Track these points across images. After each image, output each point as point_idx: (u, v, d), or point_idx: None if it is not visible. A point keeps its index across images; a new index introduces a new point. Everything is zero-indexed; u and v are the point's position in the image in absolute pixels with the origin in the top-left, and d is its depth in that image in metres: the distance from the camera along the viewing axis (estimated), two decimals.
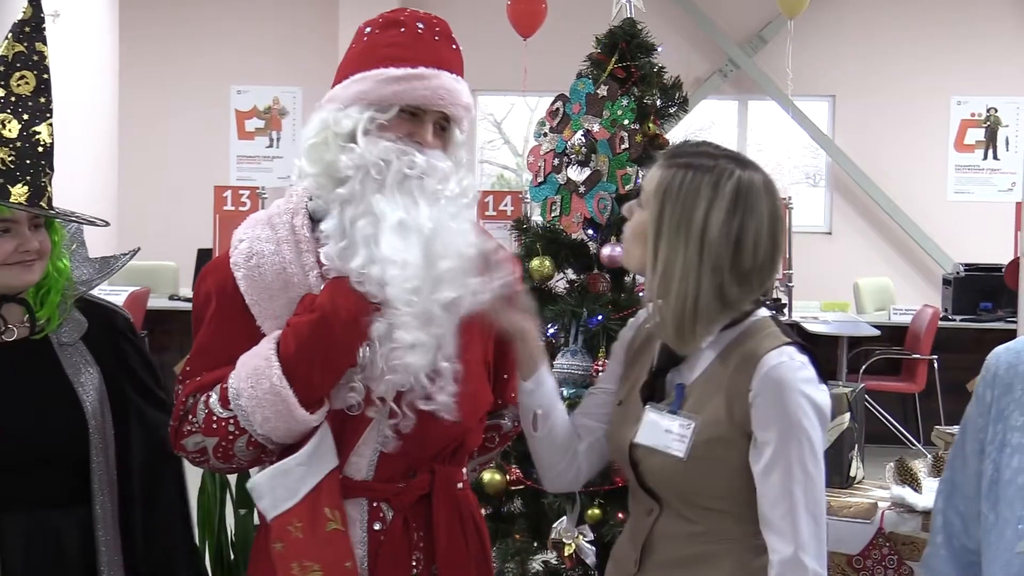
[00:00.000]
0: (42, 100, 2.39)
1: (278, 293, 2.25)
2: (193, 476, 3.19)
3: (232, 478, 3.67)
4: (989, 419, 2.15)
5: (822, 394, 2.12)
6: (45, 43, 2.41)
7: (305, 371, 2.17)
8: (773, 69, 11.52)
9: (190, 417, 2.25)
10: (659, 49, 3.68)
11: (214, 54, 12.04)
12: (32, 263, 2.41)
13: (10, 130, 2.34)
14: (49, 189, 2.39)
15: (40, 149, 2.36)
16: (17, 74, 2.38)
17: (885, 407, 8.90)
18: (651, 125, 3.61)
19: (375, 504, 2.29)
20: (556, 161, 3.62)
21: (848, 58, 11.83)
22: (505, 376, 2.48)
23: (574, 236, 3.65)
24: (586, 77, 3.63)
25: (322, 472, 2.21)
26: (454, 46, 2.33)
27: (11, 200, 2.33)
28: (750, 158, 2.22)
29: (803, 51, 10.94)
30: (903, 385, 8.89)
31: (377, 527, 2.28)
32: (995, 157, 11.75)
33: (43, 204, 2.37)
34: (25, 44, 2.39)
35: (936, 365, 8.78)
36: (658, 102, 3.67)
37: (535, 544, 3.63)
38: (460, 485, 2.39)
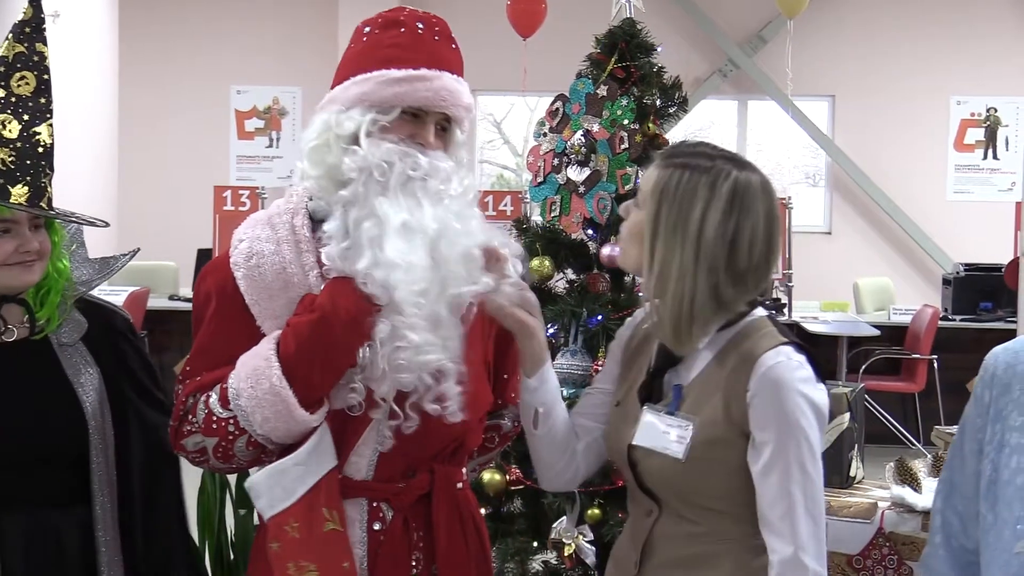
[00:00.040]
0: (42, 101, 2.39)
1: (278, 293, 2.25)
2: (193, 476, 3.19)
3: (232, 478, 3.67)
4: (987, 419, 2.16)
5: (820, 393, 2.12)
6: (45, 43, 2.41)
7: (305, 371, 2.17)
8: (773, 69, 11.52)
9: (190, 417, 2.25)
10: (659, 49, 3.68)
11: (214, 54, 12.04)
12: (32, 263, 2.41)
13: (10, 130, 2.34)
14: (49, 190, 2.39)
15: (40, 150, 2.37)
16: (17, 74, 2.38)
17: (885, 407, 8.90)
18: (651, 125, 3.61)
19: (375, 504, 2.29)
20: (556, 161, 3.62)
21: (848, 58, 11.83)
22: (505, 376, 2.48)
23: (574, 236, 3.65)
24: (586, 77, 3.63)
25: (320, 472, 2.21)
26: (453, 45, 2.33)
27: (11, 200, 2.33)
28: (747, 159, 2.22)
29: (803, 51, 10.94)
30: (903, 385, 8.89)
31: (377, 527, 2.28)
32: (995, 157, 11.75)
33: (43, 205, 2.37)
34: (25, 45, 2.39)
35: (936, 365, 8.78)
36: (658, 102, 3.67)
37: (535, 544, 3.63)
38: (460, 485, 2.39)
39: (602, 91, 3.57)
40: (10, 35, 2.39)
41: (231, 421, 2.20)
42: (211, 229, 9.11)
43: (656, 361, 2.24)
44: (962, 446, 2.23)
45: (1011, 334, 3.70)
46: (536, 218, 3.75)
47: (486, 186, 13.49)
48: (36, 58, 2.40)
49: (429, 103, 2.24)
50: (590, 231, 3.60)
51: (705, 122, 13.14)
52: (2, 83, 2.36)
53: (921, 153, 11.75)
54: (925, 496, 3.50)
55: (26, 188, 2.34)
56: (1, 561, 2.38)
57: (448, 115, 2.28)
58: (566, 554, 3.42)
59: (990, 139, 11.75)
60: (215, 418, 2.21)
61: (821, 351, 8.51)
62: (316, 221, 2.29)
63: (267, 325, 2.24)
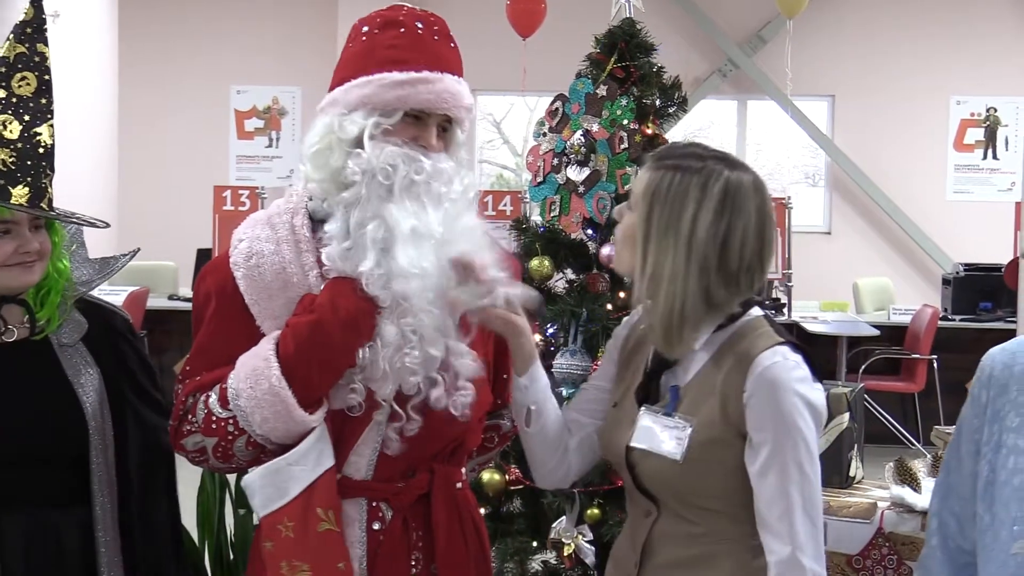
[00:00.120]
0: (43, 101, 2.39)
1: (277, 293, 2.25)
2: (193, 476, 3.19)
3: (231, 478, 3.67)
4: (984, 420, 2.15)
5: (816, 393, 2.12)
6: (46, 44, 2.41)
7: (304, 372, 2.17)
8: (772, 69, 11.52)
9: (189, 417, 2.25)
10: (658, 49, 3.69)
11: (214, 54, 12.05)
12: (32, 264, 2.41)
13: (11, 131, 2.34)
14: (50, 190, 2.39)
15: (41, 150, 2.36)
16: (18, 75, 2.37)
17: (884, 407, 8.90)
18: (650, 125, 3.61)
19: (374, 504, 2.29)
20: (555, 161, 3.62)
21: (847, 58, 11.83)
22: (504, 376, 2.48)
23: (573, 236, 3.66)
24: (585, 77, 3.64)
25: (317, 472, 2.20)
26: (452, 44, 2.33)
27: (11, 201, 2.33)
28: (739, 159, 2.21)
29: (802, 51, 10.94)
30: (902, 385, 8.89)
31: (376, 527, 2.29)
32: (995, 157, 11.75)
33: (43, 205, 2.37)
34: (27, 45, 2.39)
35: (935, 365, 8.78)
36: (657, 102, 3.67)
37: (534, 544, 3.63)
38: (459, 485, 2.39)
39: (602, 91, 3.57)
40: (11, 35, 2.39)
41: (230, 421, 2.20)
42: (211, 229, 9.12)
43: (652, 362, 2.24)
44: (959, 447, 2.23)
45: (1011, 334, 3.70)
46: (536, 218, 3.76)
47: (485, 186, 13.49)
48: (37, 58, 2.39)
49: (431, 105, 2.24)
50: (589, 231, 3.60)
51: (705, 122, 13.14)
52: (3, 83, 2.36)
53: (921, 153, 11.75)
54: (925, 496, 3.50)
55: (27, 189, 2.34)
56: (1, 561, 2.38)
57: (449, 116, 2.29)
58: (565, 554, 3.42)
59: (990, 139, 11.75)
60: (214, 418, 2.21)
61: (821, 351, 8.54)
62: (316, 221, 2.30)
63: (267, 325, 2.25)
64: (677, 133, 4.26)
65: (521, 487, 3.61)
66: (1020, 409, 2.10)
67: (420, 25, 2.29)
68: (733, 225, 2.12)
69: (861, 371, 8.71)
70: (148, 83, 11.78)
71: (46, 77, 2.40)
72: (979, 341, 8.31)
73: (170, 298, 9.61)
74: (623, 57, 3.62)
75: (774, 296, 9.28)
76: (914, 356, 8.85)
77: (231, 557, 3.71)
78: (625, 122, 3.53)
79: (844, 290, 10.52)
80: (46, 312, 2.48)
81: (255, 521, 2.32)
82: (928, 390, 8.80)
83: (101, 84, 9.76)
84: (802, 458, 2.07)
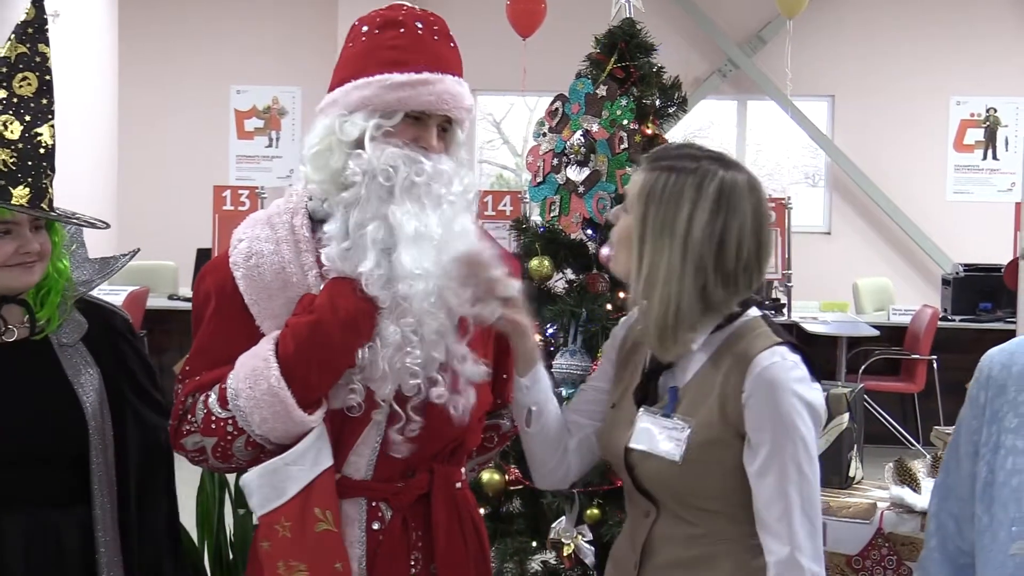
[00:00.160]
0: (44, 101, 2.39)
1: (277, 293, 2.25)
2: (193, 476, 3.19)
3: (231, 477, 3.67)
4: (983, 421, 2.15)
5: (815, 393, 2.12)
6: (48, 44, 2.40)
7: (303, 372, 2.17)
8: (772, 69, 11.52)
9: (189, 417, 2.25)
10: (658, 49, 3.69)
11: (214, 54, 12.05)
12: (32, 265, 2.41)
13: (12, 131, 2.34)
14: (50, 191, 2.39)
15: (42, 151, 2.36)
16: (20, 75, 2.37)
17: (884, 407, 8.90)
18: (650, 125, 3.61)
19: (374, 504, 2.29)
20: (555, 161, 3.62)
21: (847, 58, 11.83)
22: (504, 376, 2.48)
23: (573, 236, 3.66)
24: (585, 77, 3.64)
25: (315, 472, 2.20)
26: (452, 44, 2.33)
27: (12, 202, 2.32)
28: (734, 158, 2.21)
29: (802, 51, 10.94)
30: (902, 385, 8.89)
31: (376, 527, 2.29)
32: (994, 157, 11.75)
33: (44, 206, 2.37)
34: (28, 45, 2.39)
35: (935, 365, 8.78)
36: (657, 102, 3.67)
37: (534, 544, 3.64)
38: (459, 485, 2.39)
39: (601, 91, 3.57)
40: (12, 35, 2.39)
41: (230, 421, 2.20)
42: (210, 229, 9.12)
43: (651, 363, 2.24)
44: (957, 448, 2.23)
45: (1010, 334, 3.70)
46: (536, 218, 3.76)
47: (485, 186, 13.49)
48: (38, 59, 2.39)
49: (432, 107, 2.25)
50: (589, 231, 3.60)
51: (704, 122, 13.14)
52: (4, 84, 2.36)
53: (921, 153, 11.75)
54: (924, 496, 3.50)
55: (27, 189, 2.34)
56: (1, 561, 2.38)
57: (449, 117, 2.29)
58: (565, 554, 3.42)
59: (990, 139, 11.75)
60: (214, 418, 2.21)
61: (820, 351, 8.54)
62: (315, 221, 2.30)
63: (266, 325, 2.25)
64: (677, 133, 4.26)
65: (521, 487, 3.61)
66: (1018, 409, 2.10)
67: (420, 25, 2.29)
68: (729, 225, 2.12)
69: (861, 371, 8.71)
70: (148, 83, 11.78)
71: (47, 77, 2.40)
72: (979, 341, 8.29)
73: (170, 298, 9.61)
74: (623, 57, 3.62)
75: (774, 296, 9.28)
76: (914, 356, 8.85)
77: (231, 557, 3.71)
78: (625, 122, 3.53)
79: (844, 290, 10.52)
80: (46, 312, 2.48)
81: (254, 521, 2.32)
82: (928, 390, 8.80)
83: (101, 84, 9.76)
84: (801, 458, 2.07)
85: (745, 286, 2.17)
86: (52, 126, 2.39)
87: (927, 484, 3.57)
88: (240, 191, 9.22)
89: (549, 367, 3.25)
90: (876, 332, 8.86)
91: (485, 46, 9.07)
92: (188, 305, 2.50)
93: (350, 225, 2.22)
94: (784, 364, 2.09)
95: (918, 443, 8.71)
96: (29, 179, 2.34)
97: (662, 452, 2.14)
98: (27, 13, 2.40)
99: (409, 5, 2.35)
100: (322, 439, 2.22)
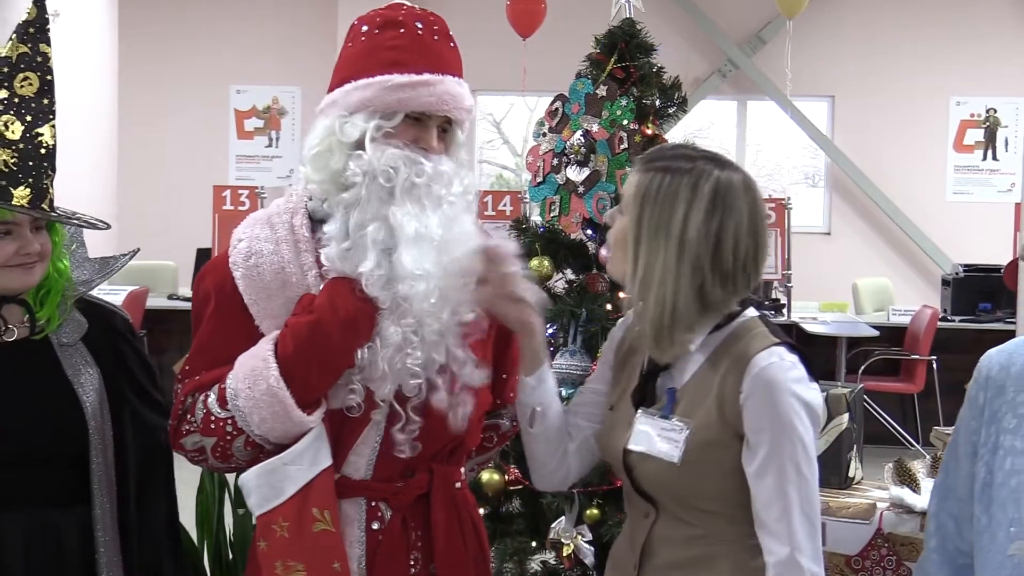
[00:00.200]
0: (45, 101, 2.39)
1: (276, 292, 2.25)
2: (192, 476, 3.19)
3: (231, 477, 3.67)
4: (982, 421, 2.15)
5: (813, 393, 2.12)
6: (49, 44, 2.40)
7: (303, 372, 2.17)
8: (772, 69, 11.52)
9: (188, 416, 2.25)
10: (658, 49, 3.69)
11: (214, 53, 12.05)
12: (33, 265, 2.41)
13: (13, 131, 2.34)
14: (51, 191, 2.39)
15: (42, 151, 2.36)
16: (21, 75, 2.37)
17: (884, 408, 8.90)
18: (650, 125, 3.61)
19: (373, 503, 2.29)
20: (555, 161, 3.62)
21: (847, 58, 11.84)
22: (504, 376, 2.48)
23: (573, 236, 3.66)
24: (585, 77, 3.64)
25: (313, 472, 2.20)
26: (452, 44, 2.33)
27: (13, 202, 2.32)
28: (729, 158, 2.21)
29: (802, 51, 10.94)
30: (902, 386, 8.89)
31: (375, 527, 2.29)
32: (994, 158, 11.74)
33: (45, 206, 2.37)
34: (29, 45, 2.38)
35: (935, 366, 8.77)
36: (657, 102, 3.67)
37: (533, 544, 3.63)
38: (458, 485, 2.39)
39: (601, 91, 3.57)
40: (14, 35, 2.38)
41: (229, 421, 2.20)
42: (210, 228, 9.12)
43: (648, 364, 2.24)
44: (956, 448, 2.23)
45: (1010, 335, 3.71)
46: (535, 218, 3.76)
47: (485, 186, 13.49)
48: (40, 59, 2.39)
49: (432, 108, 2.25)
50: (589, 231, 3.60)
51: (704, 122, 13.15)
52: (5, 84, 2.36)
53: (921, 154, 11.75)
54: (924, 497, 3.50)
55: (28, 190, 2.34)
56: (1, 561, 2.38)
57: (450, 117, 2.29)
58: (565, 554, 3.42)
59: (989, 140, 11.74)
60: (213, 418, 2.21)
61: (820, 352, 8.54)
62: (315, 221, 2.30)
63: (265, 325, 2.25)
64: (677, 133, 4.26)
65: (520, 487, 3.61)
66: (1017, 410, 2.10)
67: (420, 25, 2.29)
68: (725, 224, 2.12)
69: (860, 372, 8.71)
70: (148, 83, 11.78)
71: (48, 77, 2.40)
72: (978, 342, 8.27)
73: (170, 298, 9.62)
74: (623, 57, 3.62)
75: (774, 297, 9.28)
76: (913, 357, 8.85)
77: (230, 557, 3.71)
78: (625, 122, 3.53)
79: (844, 291, 10.52)
80: (46, 312, 2.48)
81: (253, 521, 2.32)
82: (927, 391, 8.80)
83: (101, 84, 9.75)
84: (799, 458, 2.07)
85: (743, 285, 2.17)
86: (53, 126, 2.38)
87: (927, 484, 3.57)
88: (240, 191, 9.23)
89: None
90: (876, 332, 8.86)
91: (485, 46, 9.07)
92: (188, 305, 2.50)
93: (350, 226, 2.22)
94: (782, 364, 2.09)
95: (918, 443, 8.71)
96: (30, 179, 2.34)
97: (660, 453, 2.14)
98: (28, 13, 2.40)
99: (409, 4, 2.34)
100: (321, 439, 2.22)
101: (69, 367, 2.48)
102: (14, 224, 2.37)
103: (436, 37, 2.30)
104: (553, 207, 3.62)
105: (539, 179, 3.66)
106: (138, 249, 2.82)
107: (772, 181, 14.19)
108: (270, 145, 11.98)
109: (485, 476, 3.56)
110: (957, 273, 9.57)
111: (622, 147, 3.51)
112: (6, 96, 2.35)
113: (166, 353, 8.60)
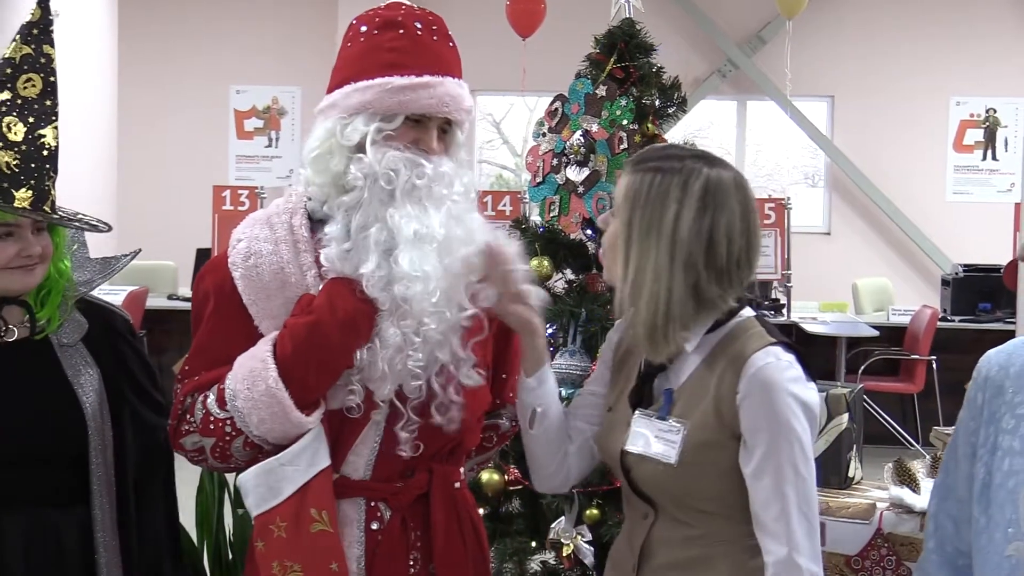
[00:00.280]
0: (48, 103, 2.39)
1: (275, 293, 2.25)
2: (192, 476, 3.19)
3: (230, 478, 3.66)
4: (981, 422, 2.15)
5: (810, 393, 2.12)
6: (53, 45, 2.40)
7: (301, 373, 2.17)
8: (772, 69, 11.52)
9: (188, 417, 2.26)
10: (658, 49, 3.68)
11: (213, 54, 12.05)
12: (34, 267, 2.41)
13: (15, 133, 2.34)
14: (53, 193, 2.39)
15: (45, 152, 2.36)
16: (24, 76, 2.37)
17: (884, 408, 8.90)
18: (650, 125, 3.61)
19: (372, 504, 2.29)
20: (555, 161, 3.62)
21: (847, 58, 11.84)
22: (504, 376, 2.48)
23: (573, 236, 3.66)
24: (585, 77, 3.64)
25: (311, 472, 2.20)
26: (451, 43, 2.33)
27: (15, 204, 2.32)
28: (718, 156, 2.21)
29: (802, 51, 10.94)
30: (902, 386, 8.88)
31: (375, 527, 2.29)
32: (994, 158, 11.74)
33: (46, 209, 2.37)
34: (33, 46, 2.38)
35: (935, 366, 8.77)
36: (657, 102, 3.67)
37: (533, 544, 3.63)
38: (457, 484, 2.39)
39: (601, 91, 3.57)
40: (17, 36, 2.38)
41: (228, 422, 2.20)
42: (210, 229, 9.12)
43: (645, 366, 2.23)
44: (956, 449, 2.23)
45: (1010, 335, 3.71)
46: (535, 218, 3.76)
47: (485, 186, 13.49)
48: (43, 60, 2.39)
49: (433, 110, 2.25)
50: (589, 231, 3.60)
51: (704, 122, 13.15)
52: (9, 85, 2.36)
53: (920, 154, 11.75)
54: (924, 497, 3.49)
55: (30, 192, 2.33)
56: (1, 561, 2.38)
57: (450, 119, 2.29)
58: (564, 554, 3.42)
59: (989, 140, 11.73)
60: (212, 418, 2.21)
61: (820, 352, 8.54)
62: (315, 221, 2.30)
63: (265, 325, 2.25)
64: (677, 133, 4.26)
65: (520, 487, 3.61)
66: (1015, 411, 2.09)
67: (419, 25, 2.29)
68: (716, 221, 2.12)
69: (860, 372, 8.71)
70: (148, 83, 11.78)
71: (51, 79, 2.39)
72: (978, 342, 8.29)
73: (169, 298, 9.61)
74: (623, 57, 3.62)
75: (773, 297, 9.28)
76: (913, 357, 8.85)
77: (230, 557, 3.71)
78: (624, 122, 3.53)
79: (843, 291, 10.52)
80: (46, 312, 2.48)
81: (252, 521, 2.32)
82: (927, 391, 8.80)
83: (101, 84, 9.76)
84: (797, 458, 2.07)
85: (738, 282, 2.16)
86: (56, 128, 2.38)
87: (926, 484, 3.57)
88: (240, 191, 9.23)
89: None
90: (875, 332, 8.86)
91: (485, 46, 9.07)
92: (188, 305, 2.51)
93: (352, 227, 2.22)
94: (779, 364, 2.09)
95: (917, 443, 8.71)
96: (32, 181, 2.34)
97: (657, 454, 2.14)
98: (32, 14, 2.40)
99: (408, 4, 2.34)
100: (319, 440, 2.22)
101: (69, 367, 2.48)
102: (15, 226, 2.37)
103: (435, 37, 2.30)
104: (553, 207, 3.62)
105: (539, 179, 3.66)
106: (139, 250, 2.82)
107: (772, 181, 14.19)
108: (270, 145, 11.97)
109: (485, 476, 3.56)
110: (957, 273, 9.57)
111: (622, 147, 3.51)
112: (9, 97, 2.35)
113: (166, 353, 8.60)
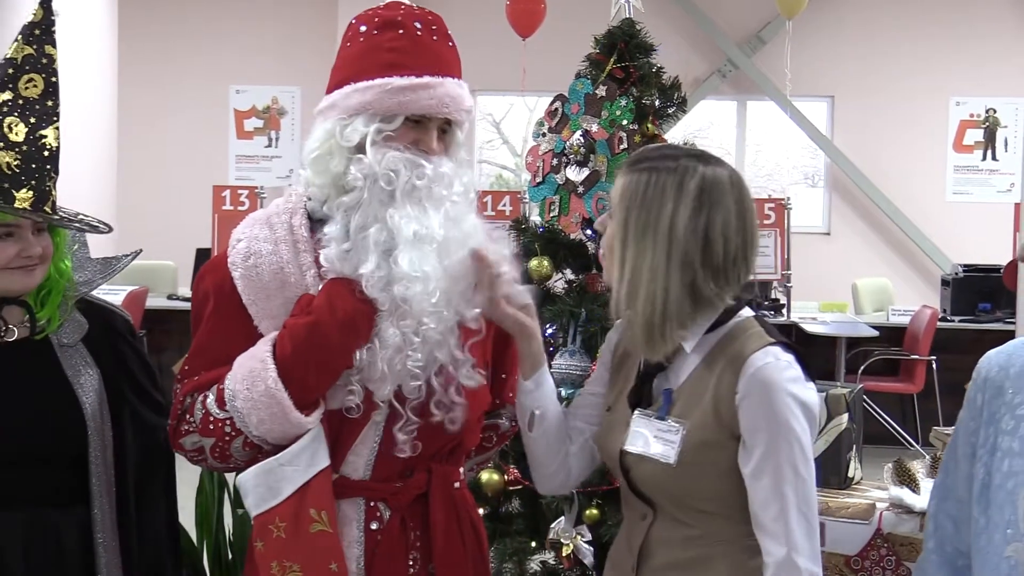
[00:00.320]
0: (49, 103, 2.39)
1: (275, 293, 2.25)
2: (192, 476, 3.20)
3: (230, 478, 3.67)
4: (980, 423, 2.15)
5: (809, 393, 2.12)
6: (55, 46, 2.40)
7: (301, 373, 2.17)
8: (772, 69, 11.52)
9: (187, 417, 2.26)
10: (658, 49, 3.68)
11: (213, 53, 12.05)
12: (34, 268, 2.41)
13: (17, 133, 2.33)
14: (53, 193, 2.39)
15: (46, 153, 2.36)
16: (25, 77, 2.37)
17: (883, 408, 8.90)
18: (650, 125, 3.61)
19: (372, 504, 2.29)
20: (555, 161, 3.62)
21: (847, 58, 11.84)
22: (503, 376, 2.48)
23: (572, 236, 3.66)
24: (585, 77, 3.63)
25: (310, 473, 2.20)
26: (450, 43, 2.33)
27: (15, 205, 2.32)
28: (714, 154, 2.21)
29: (802, 51, 10.94)
30: (901, 386, 8.88)
31: (374, 527, 2.29)
32: (994, 158, 11.73)
33: (47, 209, 2.37)
34: (34, 47, 2.38)
35: (935, 366, 8.77)
36: (657, 102, 3.67)
37: (533, 544, 3.63)
38: (457, 484, 2.39)
39: (601, 91, 3.57)
40: (19, 36, 2.38)
41: (227, 422, 2.20)
42: (210, 228, 9.12)
43: (644, 366, 2.23)
44: (955, 449, 2.22)
45: (1010, 335, 3.70)
46: (535, 218, 3.75)
47: (485, 186, 13.49)
48: (45, 60, 2.39)
49: (433, 111, 2.25)
50: (589, 231, 3.60)
51: (704, 122, 13.15)
52: (10, 85, 2.36)
53: (920, 154, 11.75)
54: (923, 497, 3.50)
55: (31, 192, 2.33)
56: (1, 561, 2.38)
57: (449, 119, 2.29)
58: (564, 554, 3.42)
59: (989, 140, 11.73)
60: (212, 419, 2.21)
61: (819, 352, 8.53)
62: (314, 221, 2.30)
63: (264, 325, 2.25)
64: (677, 133, 4.26)
65: (520, 487, 3.61)
66: (1015, 411, 2.09)
67: (419, 25, 2.28)
68: (712, 219, 2.12)
69: (860, 372, 8.71)
70: (148, 83, 11.78)
71: (53, 80, 2.39)
72: (978, 342, 8.30)
73: (169, 298, 9.61)
74: (623, 57, 3.62)
75: (773, 297, 9.28)
76: (913, 357, 8.84)
77: (230, 557, 3.71)
78: (624, 122, 3.53)
79: (843, 291, 10.52)
80: (46, 312, 2.48)
81: (251, 521, 2.32)
82: (927, 391, 8.80)
83: (101, 84, 9.76)
84: (796, 458, 2.07)
85: (735, 280, 2.16)
86: (57, 128, 2.38)
87: (926, 485, 3.57)
88: (239, 191, 9.23)
89: (548, 367, 3.26)
90: (875, 332, 8.85)
91: (485, 46, 9.07)
92: (187, 305, 2.51)
93: (351, 228, 2.22)
94: (778, 364, 2.09)
95: (917, 444, 8.71)
96: (33, 182, 2.33)
97: (656, 454, 2.14)
98: (34, 14, 2.40)
99: (407, 4, 2.34)
100: (318, 440, 2.22)
101: (69, 367, 2.48)
102: (15, 226, 2.37)
103: (435, 37, 2.29)
104: (552, 207, 3.62)
105: (539, 179, 3.66)
106: (140, 250, 2.82)
107: (772, 181, 14.19)
108: (270, 145, 11.96)
109: (484, 476, 3.56)
110: (957, 273, 9.57)
111: (622, 147, 3.51)
112: (10, 98, 2.35)
113: (166, 353, 8.60)
